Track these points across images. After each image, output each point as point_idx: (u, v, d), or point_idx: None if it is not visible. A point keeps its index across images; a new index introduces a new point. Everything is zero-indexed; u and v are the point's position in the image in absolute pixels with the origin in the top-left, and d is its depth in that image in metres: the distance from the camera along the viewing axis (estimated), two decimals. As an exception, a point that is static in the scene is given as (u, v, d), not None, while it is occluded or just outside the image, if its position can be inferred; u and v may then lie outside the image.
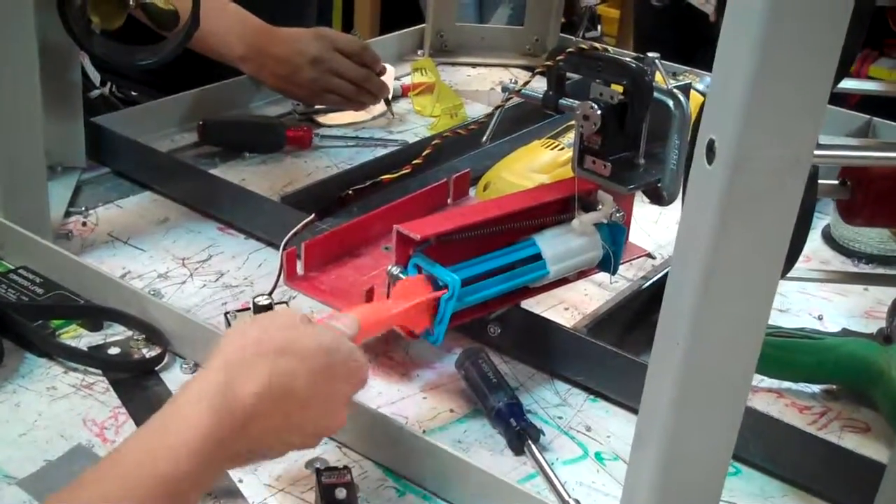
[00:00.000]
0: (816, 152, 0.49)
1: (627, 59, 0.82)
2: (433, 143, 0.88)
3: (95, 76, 1.44)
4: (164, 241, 1.04)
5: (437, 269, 0.75)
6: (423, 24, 1.61)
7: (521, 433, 0.77)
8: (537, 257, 0.81)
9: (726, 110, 0.46)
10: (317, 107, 1.34)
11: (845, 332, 0.90)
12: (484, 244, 0.80)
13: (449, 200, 1.01)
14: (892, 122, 1.32)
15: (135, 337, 0.87)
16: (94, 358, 0.84)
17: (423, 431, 0.78)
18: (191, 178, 1.13)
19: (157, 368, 0.84)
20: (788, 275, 0.66)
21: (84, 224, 1.06)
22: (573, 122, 1.02)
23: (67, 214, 1.07)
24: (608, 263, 0.85)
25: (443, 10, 1.59)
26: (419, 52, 1.61)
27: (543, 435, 0.78)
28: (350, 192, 0.87)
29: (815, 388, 0.87)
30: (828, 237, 1.12)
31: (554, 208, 0.84)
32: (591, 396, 0.85)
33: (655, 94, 0.81)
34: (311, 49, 1.23)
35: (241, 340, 0.62)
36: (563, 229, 0.83)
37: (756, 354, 0.53)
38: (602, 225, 0.84)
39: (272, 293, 0.82)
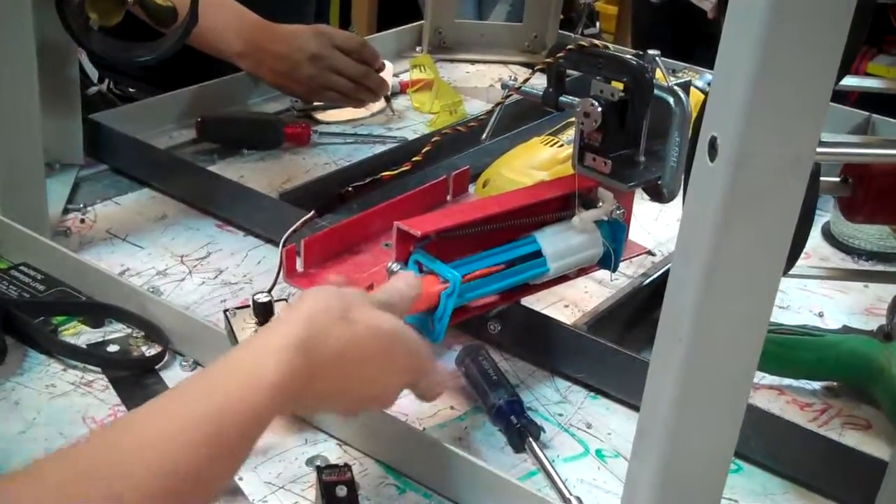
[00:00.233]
0: (819, 150, 0.49)
1: (628, 56, 0.81)
2: (433, 140, 0.87)
3: (93, 73, 1.44)
4: (162, 238, 1.04)
5: (437, 265, 0.75)
6: (422, 21, 1.61)
7: (521, 430, 0.77)
8: (537, 254, 0.81)
9: (729, 108, 0.46)
10: (315, 104, 1.34)
11: (846, 329, 0.90)
12: (484, 241, 0.80)
13: (448, 197, 1.00)
14: (892, 119, 1.32)
15: (134, 334, 0.87)
16: (93, 356, 0.84)
17: (424, 429, 0.78)
18: (189, 174, 1.13)
19: (157, 367, 0.84)
20: (788, 272, 0.66)
21: (82, 221, 1.06)
22: (573, 119, 1.03)
23: (66, 212, 1.07)
24: (608, 261, 0.85)
25: (441, 6, 1.59)
26: (418, 49, 1.61)
27: (544, 432, 0.78)
28: (350, 188, 0.87)
29: (816, 385, 0.87)
30: (828, 234, 1.12)
31: (554, 205, 0.84)
32: (592, 393, 0.85)
33: (656, 92, 0.81)
34: (310, 46, 1.23)
35: (327, 301, 0.63)
36: (564, 226, 0.83)
37: (758, 352, 0.53)
38: (602, 222, 0.84)
39: (272, 290, 0.82)
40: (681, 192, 0.82)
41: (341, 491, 0.68)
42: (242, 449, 0.57)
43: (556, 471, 0.74)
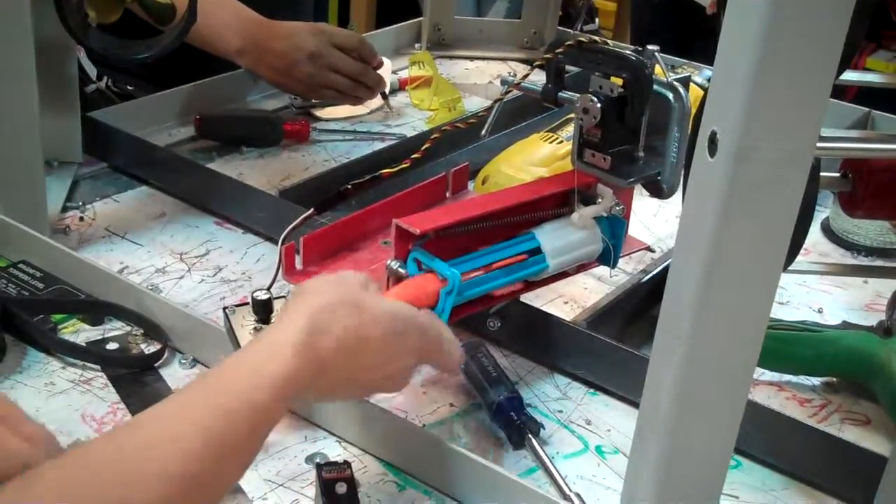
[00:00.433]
0: (819, 144, 0.49)
1: (627, 51, 0.81)
2: (432, 136, 0.87)
3: (92, 70, 1.43)
4: (161, 235, 1.04)
5: (436, 263, 0.75)
6: (421, 18, 1.61)
7: (521, 427, 0.76)
8: (537, 251, 0.81)
9: (729, 103, 0.46)
10: (314, 101, 1.34)
11: (845, 325, 0.90)
12: (483, 238, 0.80)
13: (448, 194, 1.00)
14: (891, 115, 1.32)
15: (133, 332, 0.87)
16: (92, 353, 0.84)
17: (423, 426, 0.78)
18: (188, 172, 1.13)
19: (156, 365, 0.84)
20: (788, 267, 0.66)
21: (81, 219, 1.06)
22: (572, 116, 1.02)
23: (64, 209, 1.07)
24: (608, 257, 0.85)
25: (440, 3, 1.59)
26: (417, 46, 1.61)
27: (544, 429, 0.78)
28: (349, 186, 0.87)
29: (815, 380, 0.87)
30: (827, 230, 1.12)
31: (553, 202, 0.84)
32: (591, 390, 0.84)
33: (655, 87, 0.80)
34: (309, 44, 1.23)
35: (330, 292, 0.64)
36: (563, 223, 0.82)
37: (758, 347, 0.53)
38: (601, 218, 0.84)
39: (271, 288, 0.82)
40: (680, 187, 0.82)
41: (341, 488, 0.68)
42: (251, 448, 0.58)
43: (555, 467, 0.74)
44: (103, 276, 0.90)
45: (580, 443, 0.79)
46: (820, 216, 1.13)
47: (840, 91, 1.57)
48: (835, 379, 0.86)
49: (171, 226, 1.06)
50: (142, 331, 0.87)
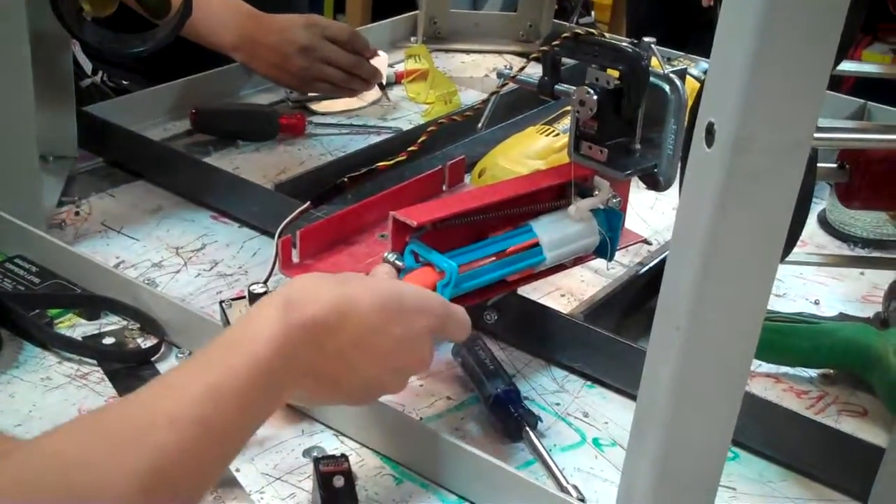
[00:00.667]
0: (816, 135, 0.49)
1: (624, 43, 0.81)
2: (428, 129, 0.87)
3: (87, 65, 1.43)
4: (157, 230, 1.03)
5: (433, 255, 0.75)
6: (417, 11, 1.60)
7: (518, 420, 0.76)
8: (534, 244, 0.80)
9: (726, 93, 0.46)
10: (310, 94, 1.34)
11: (842, 317, 0.90)
12: (480, 231, 0.80)
13: (444, 187, 1.00)
14: (887, 106, 1.32)
15: (129, 327, 0.87)
16: (89, 348, 0.84)
17: (421, 419, 0.78)
18: (184, 166, 1.13)
19: (153, 359, 0.84)
20: (785, 259, 0.66)
21: (77, 214, 1.05)
22: (568, 108, 1.02)
23: (60, 204, 1.06)
24: (605, 249, 0.85)
25: (436, -4, 1.58)
26: (412, 39, 1.61)
27: (541, 421, 0.78)
28: (345, 179, 0.87)
29: (813, 372, 0.87)
30: (823, 221, 1.12)
31: (550, 194, 0.84)
32: (588, 382, 0.85)
33: (652, 79, 0.80)
34: (301, 38, 1.23)
35: (303, 276, 0.63)
36: (560, 215, 0.82)
37: (756, 339, 0.53)
38: (598, 211, 0.83)
39: (267, 281, 0.82)
40: (677, 180, 0.82)
41: (338, 481, 0.68)
42: (239, 429, 0.57)
43: (553, 460, 0.74)
44: (99, 270, 0.90)
45: (577, 435, 0.79)
46: (817, 208, 1.13)
47: (836, 82, 1.57)
48: (832, 370, 0.86)
49: (167, 220, 1.05)
50: (138, 325, 0.86)
